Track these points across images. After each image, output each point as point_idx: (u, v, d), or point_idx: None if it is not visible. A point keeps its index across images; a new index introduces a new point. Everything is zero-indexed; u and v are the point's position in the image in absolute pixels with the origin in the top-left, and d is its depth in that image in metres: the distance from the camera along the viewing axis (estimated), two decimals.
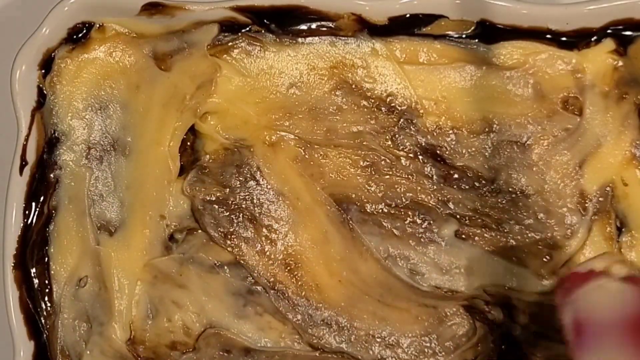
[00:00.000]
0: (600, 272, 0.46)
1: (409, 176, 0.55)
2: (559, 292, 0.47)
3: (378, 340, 0.54)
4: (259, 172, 0.55)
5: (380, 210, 0.55)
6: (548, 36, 0.54)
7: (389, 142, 0.55)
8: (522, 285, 0.54)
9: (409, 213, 0.55)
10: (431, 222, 0.55)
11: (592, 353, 0.44)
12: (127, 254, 0.55)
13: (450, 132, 0.55)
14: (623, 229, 0.54)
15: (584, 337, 0.45)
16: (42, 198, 0.55)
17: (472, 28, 0.55)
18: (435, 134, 0.55)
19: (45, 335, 0.55)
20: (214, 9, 0.54)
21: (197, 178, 0.55)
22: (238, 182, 0.55)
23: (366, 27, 0.55)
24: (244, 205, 0.55)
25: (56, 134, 0.56)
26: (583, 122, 0.54)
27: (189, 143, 0.56)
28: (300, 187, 0.55)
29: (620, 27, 0.54)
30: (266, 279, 0.54)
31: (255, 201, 0.55)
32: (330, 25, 0.55)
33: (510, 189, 0.54)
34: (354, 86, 0.55)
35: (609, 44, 0.54)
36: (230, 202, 0.55)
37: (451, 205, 0.55)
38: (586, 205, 0.54)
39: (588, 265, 0.47)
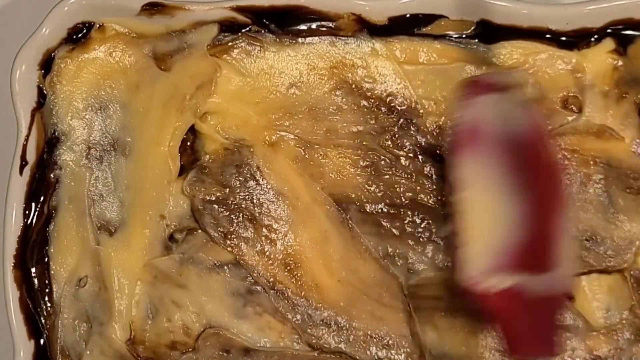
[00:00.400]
0: (510, 87, 0.49)
1: (409, 176, 0.55)
2: (463, 91, 0.49)
3: (375, 340, 0.54)
4: (258, 172, 0.55)
5: (380, 210, 0.55)
6: (548, 36, 0.54)
7: (389, 142, 0.55)
8: None
9: (409, 213, 0.55)
10: (430, 221, 0.55)
11: (473, 156, 0.48)
12: (127, 254, 0.55)
13: (450, 132, 0.55)
14: None
15: (470, 141, 0.48)
16: (42, 198, 0.55)
17: (472, 28, 0.55)
18: (435, 134, 0.55)
19: (45, 335, 0.55)
20: (214, 9, 0.55)
21: (197, 178, 0.55)
22: (238, 182, 0.55)
23: (366, 27, 0.55)
24: (243, 205, 0.55)
25: (56, 134, 0.56)
26: None
27: (189, 143, 0.56)
28: (300, 187, 0.55)
29: (620, 27, 0.54)
30: (266, 279, 0.54)
31: (255, 201, 0.55)
32: (330, 25, 0.55)
33: None
34: (354, 86, 0.55)
35: (608, 43, 0.54)
36: (230, 202, 0.55)
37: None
38: None
39: (501, 76, 0.50)
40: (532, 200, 0.48)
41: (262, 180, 0.55)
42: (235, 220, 0.55)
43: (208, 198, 0.55)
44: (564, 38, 0.54)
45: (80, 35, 0.55)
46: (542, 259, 0.48)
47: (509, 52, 0.54)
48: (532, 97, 0.50)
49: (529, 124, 0.49)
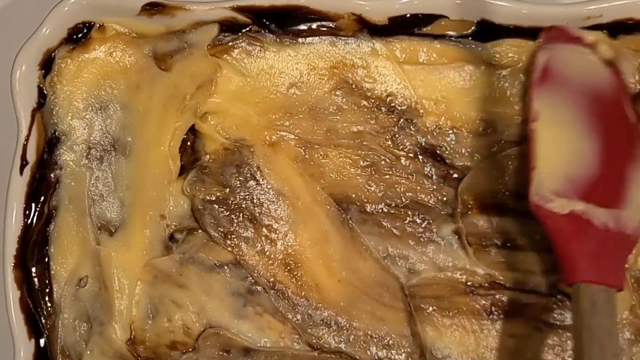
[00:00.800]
0: (588, 44, 0.53)
1: (409, 176, 0.55)
2: (545, 35, 0.53)
3: (376, 340, 0.54)
4: (259, 172, 0.55)
5: (380, 210, 0.55)
6: None
7: (389, 142, 0.55)
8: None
9: (409, 213, 0.55)
10: (430, 221, 0.55)
11: (549, 93, 0.51)
12: (127, 254, 0.55)
13: (450, 132, 0.55)
14: None
15: (548, 79, 0.52)
16: (42, 198, 0.55)
17: (472, 28, 0.55)
18: (435, 134, 0.55)
19: (45, 335, 0.55)
20: (214, 9, 0.55)
21: (197, 178, 0.55)
22: (238, 182, 0.55)
23: (366, 27, 0.55)
24: (244, 205, 0.55)
25: (56, 134, 0.56)
26: None
27: (189, 143, 0.56)
28: (300, 187, 0.55)
29: (620, 26, 0.54)
30: (266, 279, 0.54)
31: (255, 201, 0.55)
32: (331, 25, 0.55)
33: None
34: (354, 86, 0.56)
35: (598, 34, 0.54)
36: (230, 202, 0.55)
37: (450, 205, 0.55)
38: None
39: (580, 32, 0.53)
40: (605, 143, 0.51)
41: (262, 180, 0.55)
42: (236, 220, 0.55)
43: (208, 198, 0.55)
44: None
45: (80, 35, 0.55)
46: (611, 196, 0.50)
47: (504, 51, 0.55)
48: (607, 57, 0.53)
49: (607, 78, 0.53)
